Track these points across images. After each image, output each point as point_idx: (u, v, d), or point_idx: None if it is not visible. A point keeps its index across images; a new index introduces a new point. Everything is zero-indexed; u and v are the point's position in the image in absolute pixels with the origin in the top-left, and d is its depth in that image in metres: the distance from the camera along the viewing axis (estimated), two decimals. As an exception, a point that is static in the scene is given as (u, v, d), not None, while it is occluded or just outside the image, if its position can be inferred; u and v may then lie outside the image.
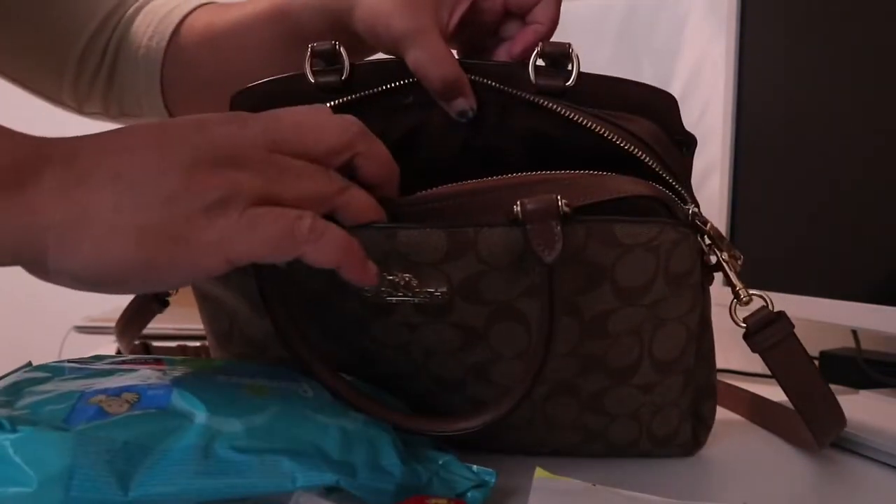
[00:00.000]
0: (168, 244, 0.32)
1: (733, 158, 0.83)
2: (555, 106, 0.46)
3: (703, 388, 0.50)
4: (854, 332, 0.76)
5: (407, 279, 0.41)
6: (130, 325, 0.62)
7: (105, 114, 0.71)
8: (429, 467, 0.40)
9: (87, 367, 0.39)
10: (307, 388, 0.41)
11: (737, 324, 0.46)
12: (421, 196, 0.43)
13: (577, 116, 0.45)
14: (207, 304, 0.50)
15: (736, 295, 0.46)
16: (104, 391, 0.35)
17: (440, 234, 0.40)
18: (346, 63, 0.46)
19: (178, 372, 0.39)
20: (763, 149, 0.79)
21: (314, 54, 0.47)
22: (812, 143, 0.71)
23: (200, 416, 0.35)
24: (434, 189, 0.44)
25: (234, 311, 0.48)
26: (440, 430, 0.42)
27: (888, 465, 0.51)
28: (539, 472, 0.41)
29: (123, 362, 0.40)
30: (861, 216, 0.64)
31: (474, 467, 0.41)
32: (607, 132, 0.45)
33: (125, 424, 0.33)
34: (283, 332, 0.41)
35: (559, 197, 0.40)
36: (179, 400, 0.36)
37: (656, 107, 0.47)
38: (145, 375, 0.38)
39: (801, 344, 0.46)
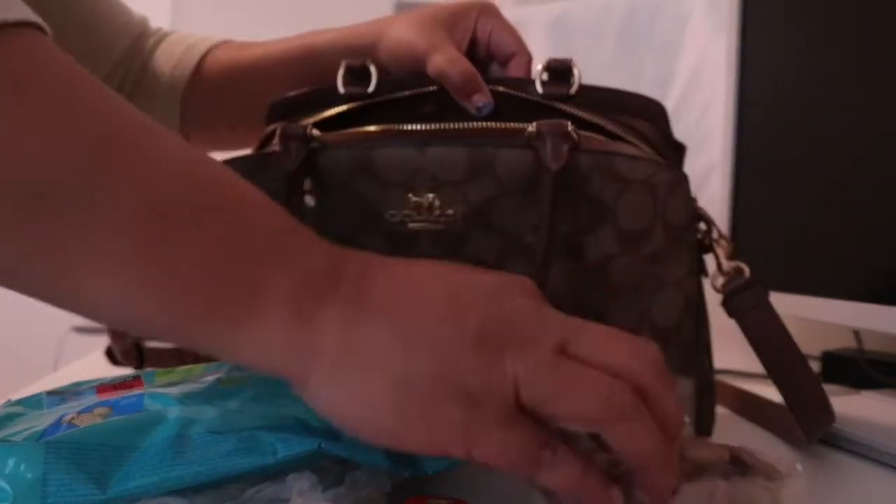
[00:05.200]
0: (421, 402, 0.31)
1: (733, 158, 0.83)
2: (569, 108, 0.49)
3: (701, 385, 0.50)
4: (856, 333, 0.76)
5: (430, 199, 0.45)
6: None
7: None
8: None
9: (64, 395, 0.40)
10: None
11: (716, 290, 0.49)
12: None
13: (592, 117, 0.49)
14: None
15: (719, 266, 0.49)
16: (77, 411, 0.36)
17: (463, 151, 0.45)
18: (374, 77, 0.51)
19: (155, 385, 0.40)
20: (763, 149, 0.79)
21: (347, 70, 0.52)
22: (812, 143, 0.71)
23: (174, 409, 0.35)
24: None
25: None
26: None
27: (891, 465, 0.51)
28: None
29: (102, 387, 0.40)
30: (862, 216, 0.64)
31: None
32: (619, 130, 0.49)
33: (97, 430, 0.33)
34: None
35: (569, 122, 0.45)
36: (151, 402, 0.36)
37: (650, 114, 0.51)
38: (120, 395, 0.38)
39: (775, 311, 0.48)
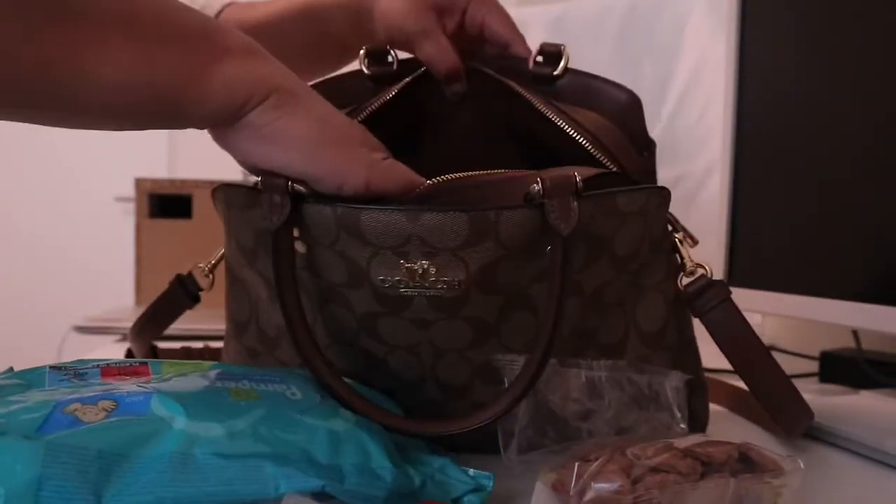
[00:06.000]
0: (337, 139, 0.43)
1: (733, 158, 0.83)
2: (528, 95, 0.52)
3: (692, 382, 0.51)
4: (854, 333, 0.76)
5: (425, 266, 0.41)
6: (148, 326, 0.62)
7: None
8: (422, 470, 0.40)
9: (67, 372, 0.39)
10: (295, 391, 0.40)
11: (679, 290, 0.49)
12: (434, 186, 0.45)
13: (542, 107, 0.51)
14: (235, 288, 0.52)
15: (682, 266, 0.49)
16: (80, 400, 0.34)
17: (462, 217, 0.40)
18: (395, 57, 0.56)
19: (162, 377, 0.39)
20: (763, 149, 0.79)
21: (367, 54, 0.56)
22: (812, 143, 0.71)
23: (180, 420, 0.34)
24: (443, 178, 0.46)
25: (256, 298, 0.50)
26: (439, 430, 0.42)
27: (890, 465, 0.51)
28: (541, 476, 0.41)
29: (107, 368, 0.39)
30: (861, 216, 0.64)
31: (471, 471, 0.40)
32: (561, 122, 0.51)
33: (100, 432, 0.32)
34: (290, 318, 0.42)
35: (576, 174, 0.42)
36: (159, 405, 0.35)
37: (621, 106, 0.53)
38: (124, 381, 0.37)
39: (738, 309, 0.48)
